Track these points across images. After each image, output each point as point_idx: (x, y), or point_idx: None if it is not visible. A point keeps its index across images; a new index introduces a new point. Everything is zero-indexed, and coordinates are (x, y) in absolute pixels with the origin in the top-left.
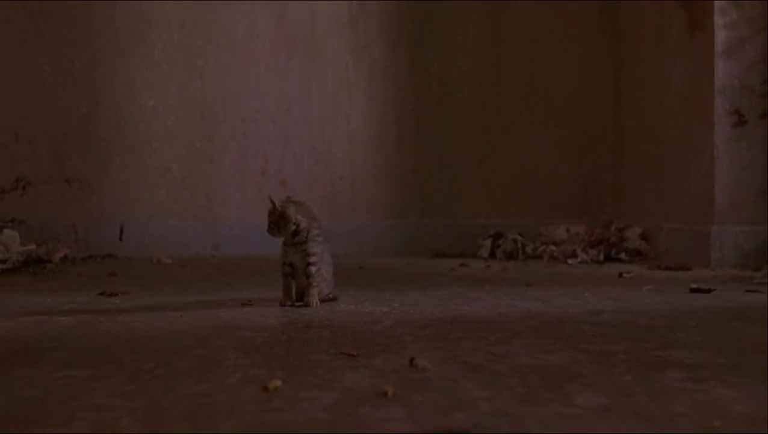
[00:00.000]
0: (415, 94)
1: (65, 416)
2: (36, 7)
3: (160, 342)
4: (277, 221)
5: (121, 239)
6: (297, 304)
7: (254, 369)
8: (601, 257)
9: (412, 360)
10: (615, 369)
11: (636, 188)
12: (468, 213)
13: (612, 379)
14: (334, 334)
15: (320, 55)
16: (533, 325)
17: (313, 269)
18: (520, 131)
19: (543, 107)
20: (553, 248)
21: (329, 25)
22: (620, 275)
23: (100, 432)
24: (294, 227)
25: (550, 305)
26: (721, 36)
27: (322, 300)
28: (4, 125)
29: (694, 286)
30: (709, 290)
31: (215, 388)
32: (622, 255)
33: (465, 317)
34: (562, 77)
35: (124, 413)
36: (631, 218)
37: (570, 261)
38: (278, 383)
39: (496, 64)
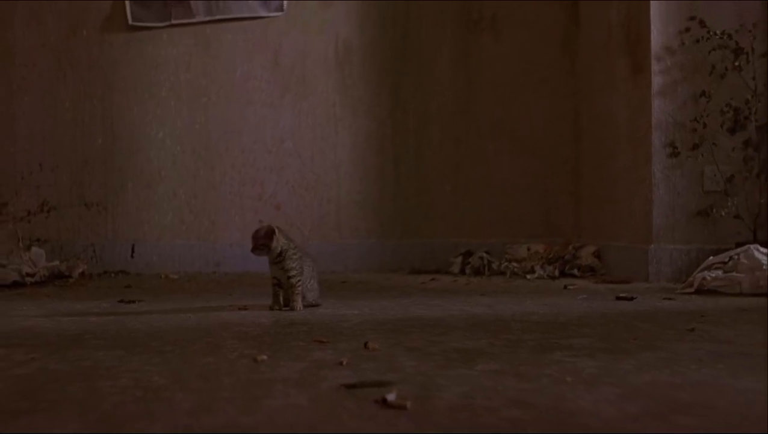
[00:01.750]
0: (395, 128)
1: (112, 376)
2: (60, 52)
3: (174, 333)
4: (266, 244)
5: (132, 256)
6: (284, 309)
7: (247, 349)
8: (557, 273)
9: (366, 343)
10: (519, 350)
11: (592, 211)
12: (442, 234)
13: (512, 356)
14: (311, 329)
15: (310, 94)
16: (472, 323)
17: (293, 280)
18: (489, 161)
19: (510, 139)
20: (515, 264)
21: (318, 67)
22: (565, 287)
23: (138, 384)
24: (276, 251)
25: (493, 310)
26: (657, 79)
27: (307, 306)
28: (30, 155)
29: (620, 295)
30: (631, 298)
31: (219, 360)
32: (575, 271)
33: (420, 317)
34: (528, 113)
35: (154, 374)
36: (588, 238)
37: (528, 276)
38: (264, 357)
39: (467, 101)
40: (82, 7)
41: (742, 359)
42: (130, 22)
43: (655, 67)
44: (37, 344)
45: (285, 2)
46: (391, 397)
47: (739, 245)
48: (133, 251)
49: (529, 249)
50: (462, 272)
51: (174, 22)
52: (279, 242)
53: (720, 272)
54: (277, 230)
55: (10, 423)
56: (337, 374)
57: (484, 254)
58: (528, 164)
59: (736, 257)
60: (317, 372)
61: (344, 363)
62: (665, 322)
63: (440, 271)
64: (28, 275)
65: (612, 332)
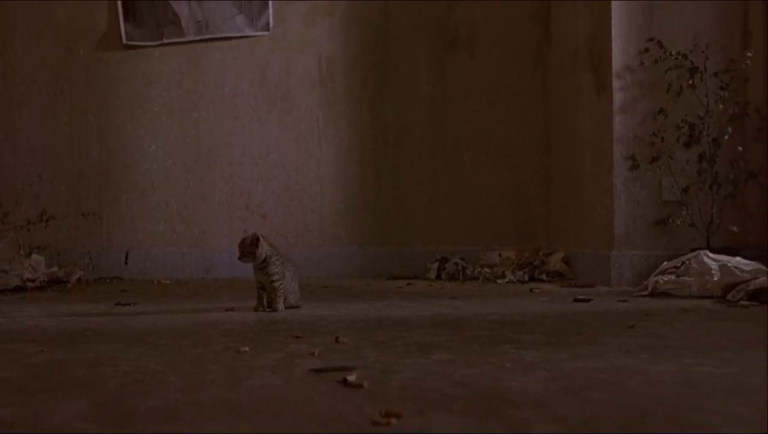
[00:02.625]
0: (375, 141)
1: (113, 364)
2: (58, 70)
3: (168, 330)
4: (252, 252)
5: (126, 263)
6: (267, 310)
7: (232, 343)
8: (526, 278)
9: (336, 338)
10: (472, 343)
11: (561, 219)
12: (420, 241)
13: (465, 348)
14: (290, 327)
15: (295, 109)
16: (436, 322)
17: (276, 284)
18: (464, 172)
19: (484, 151)
20: (487, 270)
21: (302, 84)
22: (531, 290)
23: (137, 370)
24: (261, 258)
25: (458, 311)
26: (618, 96)
27: (288, 307)
28: (30, 167)
29: (578, 297)
30: (588, 300)
31: (207, 351)
32: (544, 276)
33: (390, 317)
34: (501, 125)
35: (151, 362)
36: (557, 245)
37: (499, 281)
38: (246, 349)
39: (443, 114)
40: (79, 28)
41: (666, 350)
42: (124, 41)
43: (616, 84)
44: (44, 340)
45: (271, 22)
46: (351, 378)
47: (694, 251)
48: (127, 258)
49: (500, 255)
50: (438, 277)
51: (166, 41)
52: (263, 249)
53: (673, 277)
54: (261, 238)
55: (29, 401)
56: (308, 362)
57: (459, 261)
58: (501, 175)
59: (687, 262)
60: (291, 361)
61: (316, 353)
62: (612, 321)
63: (418, 277)
64: (29, 280)
65: (561, 329)
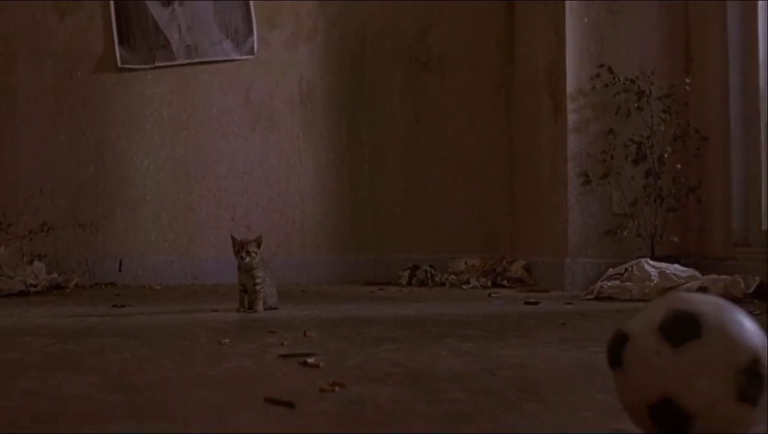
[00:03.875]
0: (352, 158)
1: (115, 352)
2: (58, 91)
3: (160, 327)
4: (255, 252)
5: (120, 270)
6: (248, 310)
7: (215, 336)
8: (489, 284)
9: (305, 332)
10: (422, 337)
11: (523, 230)
12: (393, 251)
13: (414, 341)
14: (267, 324)
15: (277, 128)
16: (397, 321)
17: (258, 287)
18: (435, 186)
19: (453, 167)
20: (454, 277)
21: (284, 105)
22: (489, 295)
23: (135, 356)
24: (257, 258)
25: (419, 312)
26: (572, 117)
27: (267, 309)
28: (31, 181)
29: (528, 300)
30: (536, 303)
31: (193, 343)
32: (505, 282)
33: (356, 317)
34: (469, 143)
35: (147, 350)
36: (520, 253)
37: (464, 287)
38: (227, 340)
39: (416, 133)
40: (78, 52)
41: (583, 342)
42: (119, 64)
43: (570, 107)
44: (54, 334)
45: (255, 47)
46: (310, 361)
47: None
48: (120, 265)
49: (466, 263)
50: (409, 283)
51: (158, 64)
52: (259, 253)
53: (617, 282)
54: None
55: (50, 377)
56: (278, 350)
57: (428, 268)
58: (468, 189)
59: (630, 269)
60: (264, 349)
61: (285, 344)
62: (549, 320)
63: (391, 283)
64: (31, 285)
65: (502, 326)
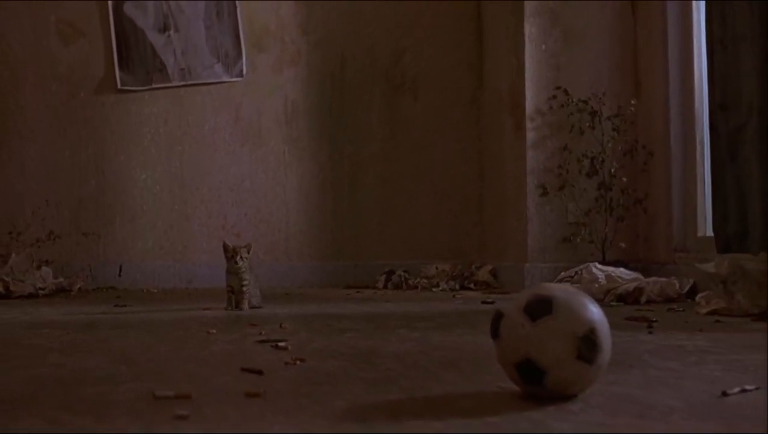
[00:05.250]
0: (333, 172)
1: (120, 340)
2: (61, 111)
3: (158, 322)
4: (245, 257)
5: (120, 275)
6: (235, 309)
7: (205, 328)
8: (457, 287)
9: (281, 324)
10: (380, 329)
11: (491, 237)
12: (371, 257)
13: (372, 331)
14: (250, 319)
15: (264, 144)
16: (364, 316)
17: (244, 288)
18: (409, 198)
19: (427, 180)
20: (425, 280)
21: (271, 122)
22: (454, 296)
23: (137, 343)
24: (246, 262)
25: (386, 310)
26: (530, 135)
27: (251, 307)
28: (38, 194)
29: (485, 300)
30: (492, 302)
31: (186, 333)
32: (472, 285)
33: (330, 313)
34: (441, 158)
35: (147, 338)
36: (487, 259)
37: (434, 289)
38: (214, 331)
39: (393, 149)
40: (80, 75)
41: None
42: (118, 86)
43: (529, 125)
44: (66, 327)
45: (244, 70)
46: (281, 344)
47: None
48: (120, 270)
49: (437, 268)
50: (385, 287)
51: (154, 86)
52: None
53: (568, 284)
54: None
55: (69, 356)
56: (256, 338)
57: (403, 273)
58: (441, 200)
59: (580, 272)
60: (245, 337)
61: (262, 333)
62: None
63: (369, 286)
64: (40, 288)
65: (453, 320)
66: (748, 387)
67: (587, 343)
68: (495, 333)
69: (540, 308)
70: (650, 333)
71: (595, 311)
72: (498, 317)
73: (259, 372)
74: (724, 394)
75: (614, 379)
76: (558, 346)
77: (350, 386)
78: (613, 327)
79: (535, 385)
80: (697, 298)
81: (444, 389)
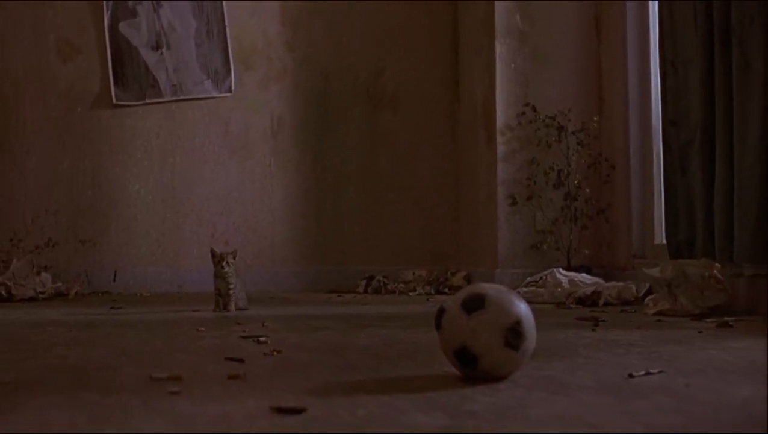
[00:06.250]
0: (317, 182)
1: (120, 336)
2: (60, 125)
3: (152, 321)
4: (231, 262)
5: (114, 280)
6: (222, 310)
7: (194, 326)
8: (432, 291)
9: (263, 323)
10: (352, 327)
11: (466, 244)
12: (352, 263)
13: (346, 329)
14: (236, 319)
15: (251, 156)
16: (340, 317)
17: (231, 291)
18: (389, 207)
19: (406, 191)
20: (403, 285)
21: (258, 136)
22: (427, 299)
23: (135, 338)
24: (232, 267)
25: (361, 311)
26: (501, 148)
27: (238, 309)
28: (37, 203)
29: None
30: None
31: (178, 331)
32: (447, 290)
33: (310, 314)
34: (419, 170)
35: (142, 334)
36: (463, 266)
37: (411, 294)
38: (203, 329)
39: (372, 161)
40: (78, 91)
41: None
42: (114, 101)
43: (500, 139)
44: (69, 326)
45: (233, 86)
46: (262, 340)
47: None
48: (115, 276)
49: (414, 274)
50: (365, 291)
51: (148, 101)
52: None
53: (533, 288)
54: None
55: (73, 349)
56: (240, 334)
57: (382, 278)
58: (419, 209)
59: (545, 277)
60: (230, 333)
61: (246, 330)
62: None
63: (350, 291)
64: (39, 292)
65: (421, 320)
66: (652, 370)
67: (513, 333)
68: (438, 325)
69: (474, 303)
70: (593, 330)
71: (521, 307)
72: (440, 312)
73: (241, 361)
74: (630, 376)
75: (543, 366)
76: (489, 335)
77: (318, 371)
78: (563, 326)
79: (471, 369)
80: (646, 300)
81: (398, 373)
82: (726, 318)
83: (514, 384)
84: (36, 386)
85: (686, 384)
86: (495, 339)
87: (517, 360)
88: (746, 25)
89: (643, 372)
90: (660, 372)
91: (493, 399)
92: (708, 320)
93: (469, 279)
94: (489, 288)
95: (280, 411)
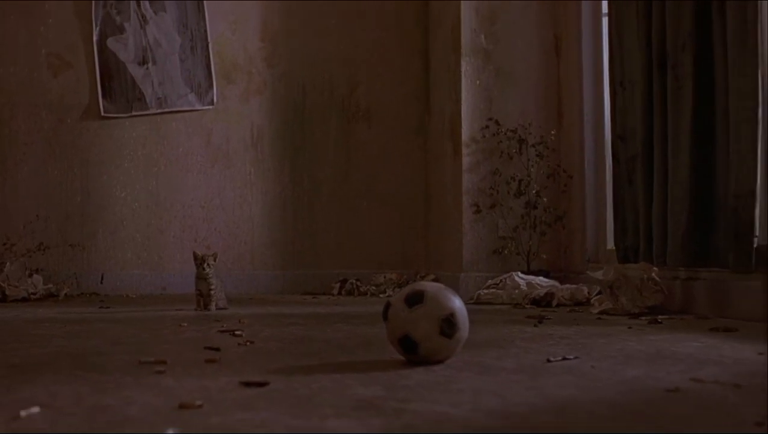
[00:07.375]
0: (294, 191)
1: (110, 331)
2: (50, 136)
3: (138, 319)
4: (211, 265)
5: (102, 283)
6: (203, 310)
7: (177, 322)
8: None
9: (240, 319)
10: (321, 324)
11: (435, 250)
12: (327, 266)
13: (313, 325)
14: (216, 318)
15: (232, 165)
16: (311, 315)
17: (211, 291)
18: (362, 214)
19: (378, 198)
20: (375, 287)
21: (238, 146)
22: None
23: (123, 332)
24: (213, 269)
25: (332, 311)
26: (466, 159)
27: (218, 309)
28: (29, 209)
29: None
30: None
31: (162, 326)
32: None
33: (282, 313)
34: (392, 178)
35: (130, 329)
36: (432, 269)
37: (381, 295)
38: (185, 324)
39: (347, 171)
40: (67, 103)
41: None
42: (102, 113)
43: (464, 151)
44: (63, 322)
45: (215, 99)
46: (237, 333)
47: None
48: (102, 278)
49: (385, 277)
50: (339, 293)
51: (134, 113)
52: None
53: (494, 290)
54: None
55: (70, 340)
56: (219, 329)
57: (355, 281)
58: (391, 216)
59: (504, 279)
60: (210, 328)
61: (224, 326)
62: None
63: (325, 293)
64: (31, 294)
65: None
66: (568, 357)
67: (447, 323)
68: (385, 317)
69: (415, 298)
70: (535, 326)
71: (456, 301)
72: (387, 306)
73: (217, 349)
74: (548, 361)
75: (478, 353)
76: (427, 325)
77: (283, 357)
78: (511, 323)
79: (412, 354)
80: (592, 300)
81: (352, 358)
82: (659, 316)
83: (447, 367)
84: (42, 368)
85: (592, 366)
86: (432, 329)
87: (451, 347)
88: (679, 51)
89: (560, 358)
90: (575, 358)
91: (426, 377)
92: (642, 318)
93: (436, 281)
94: (429, 286)
95: (248, 384)
